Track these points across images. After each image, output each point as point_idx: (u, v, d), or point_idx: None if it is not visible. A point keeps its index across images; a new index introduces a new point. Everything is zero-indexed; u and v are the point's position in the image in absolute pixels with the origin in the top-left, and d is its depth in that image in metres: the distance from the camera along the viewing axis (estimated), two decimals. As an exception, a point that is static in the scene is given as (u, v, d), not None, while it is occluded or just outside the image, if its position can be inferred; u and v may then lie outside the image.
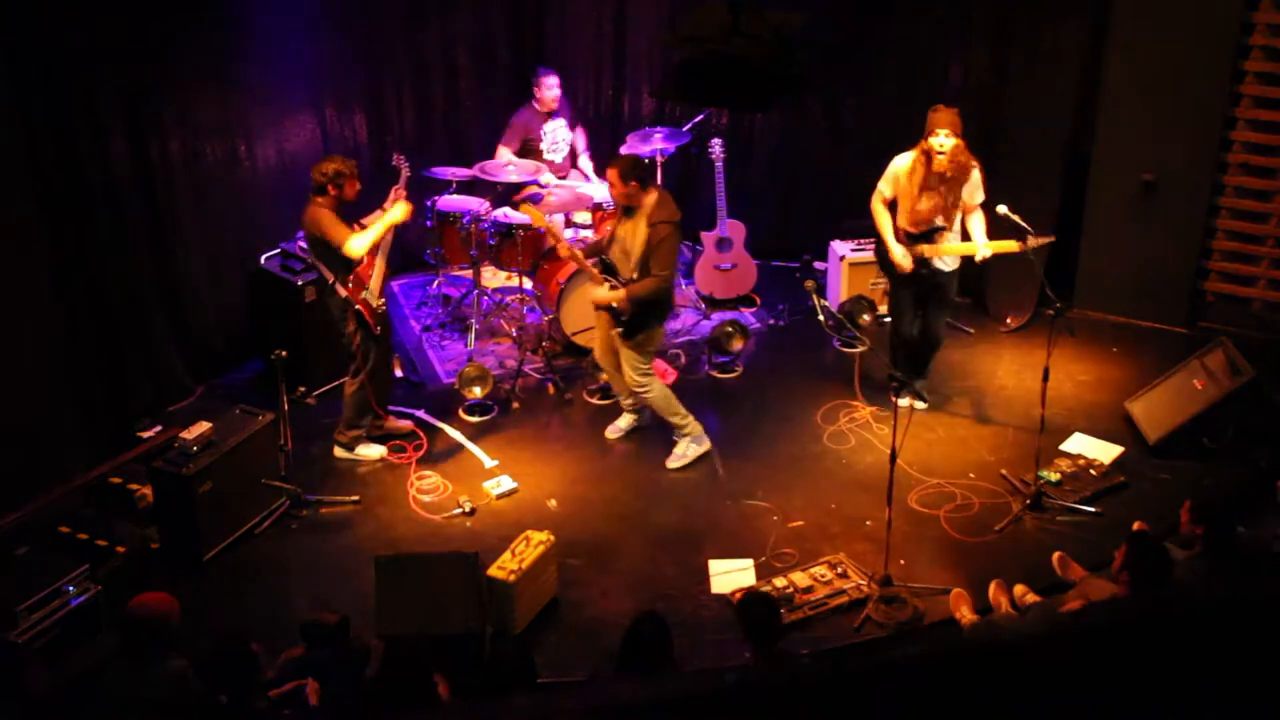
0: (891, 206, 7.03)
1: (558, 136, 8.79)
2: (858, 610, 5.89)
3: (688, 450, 7.05)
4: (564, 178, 8.81)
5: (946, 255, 6.95)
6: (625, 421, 7.35)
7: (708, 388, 7.96)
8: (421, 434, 7.29)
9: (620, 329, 6.74)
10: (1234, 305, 8.37)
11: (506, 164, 8.40)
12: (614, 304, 6.66)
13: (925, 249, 6.93)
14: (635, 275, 6.63)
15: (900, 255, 6.94)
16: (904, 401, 6.72)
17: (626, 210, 6.66)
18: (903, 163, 6.92)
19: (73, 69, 6.73)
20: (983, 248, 6.81)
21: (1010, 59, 8.56)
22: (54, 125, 6.69)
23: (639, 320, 6.70)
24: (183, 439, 6.24)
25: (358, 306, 6.65)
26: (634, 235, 6.60)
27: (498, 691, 4.88)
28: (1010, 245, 6.74)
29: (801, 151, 9.46)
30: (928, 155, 6.73)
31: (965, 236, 6.96)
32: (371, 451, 7.11)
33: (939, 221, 6.86)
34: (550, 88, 8.59)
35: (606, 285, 6.71)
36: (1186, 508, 5.44)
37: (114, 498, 6.56)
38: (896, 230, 6.98)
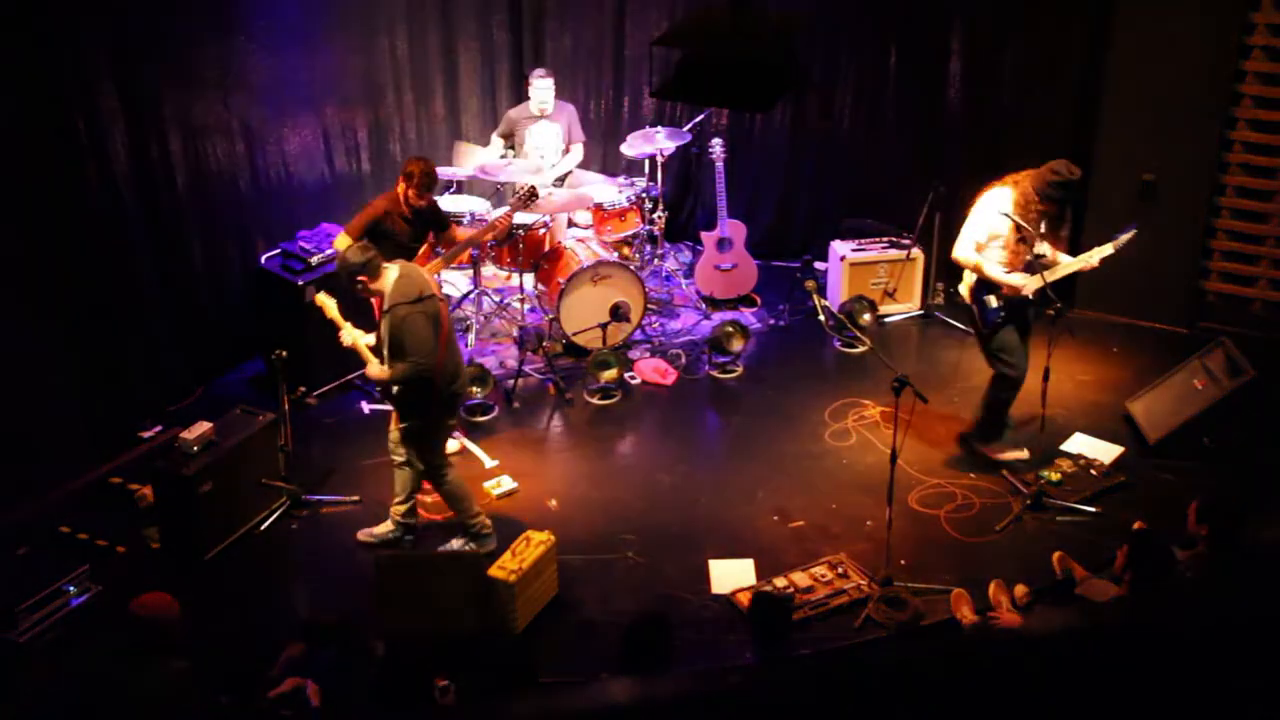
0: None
1: (542, 140, 8.69)
2: (858, 610, 5.89)
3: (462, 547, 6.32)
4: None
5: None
6: (382, 529, 6.39)
7: (708, 388, 7.96)
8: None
9: (394, 409, 6.13)
10: (1234, 305, 8.38)
11: (507, 164, 8.38)
12: (380, 376, 5.96)
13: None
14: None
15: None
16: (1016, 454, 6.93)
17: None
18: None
19: (73, 69, 6.73)
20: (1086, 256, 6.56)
21: (1010, 58, 8.56)
22: (54, 125, 6.69)
23: (407, 403, 6.02)
24: (183, 439, 6.24)
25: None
26: (381, 325, 5.90)
27: (498, 692, 4.88)
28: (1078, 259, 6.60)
29: (801, 151, 9.47)
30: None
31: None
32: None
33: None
34: (540, 90, 8.51)
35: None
36: (1193, 508, 5.43)
37: (114, 498, 6.57)
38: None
